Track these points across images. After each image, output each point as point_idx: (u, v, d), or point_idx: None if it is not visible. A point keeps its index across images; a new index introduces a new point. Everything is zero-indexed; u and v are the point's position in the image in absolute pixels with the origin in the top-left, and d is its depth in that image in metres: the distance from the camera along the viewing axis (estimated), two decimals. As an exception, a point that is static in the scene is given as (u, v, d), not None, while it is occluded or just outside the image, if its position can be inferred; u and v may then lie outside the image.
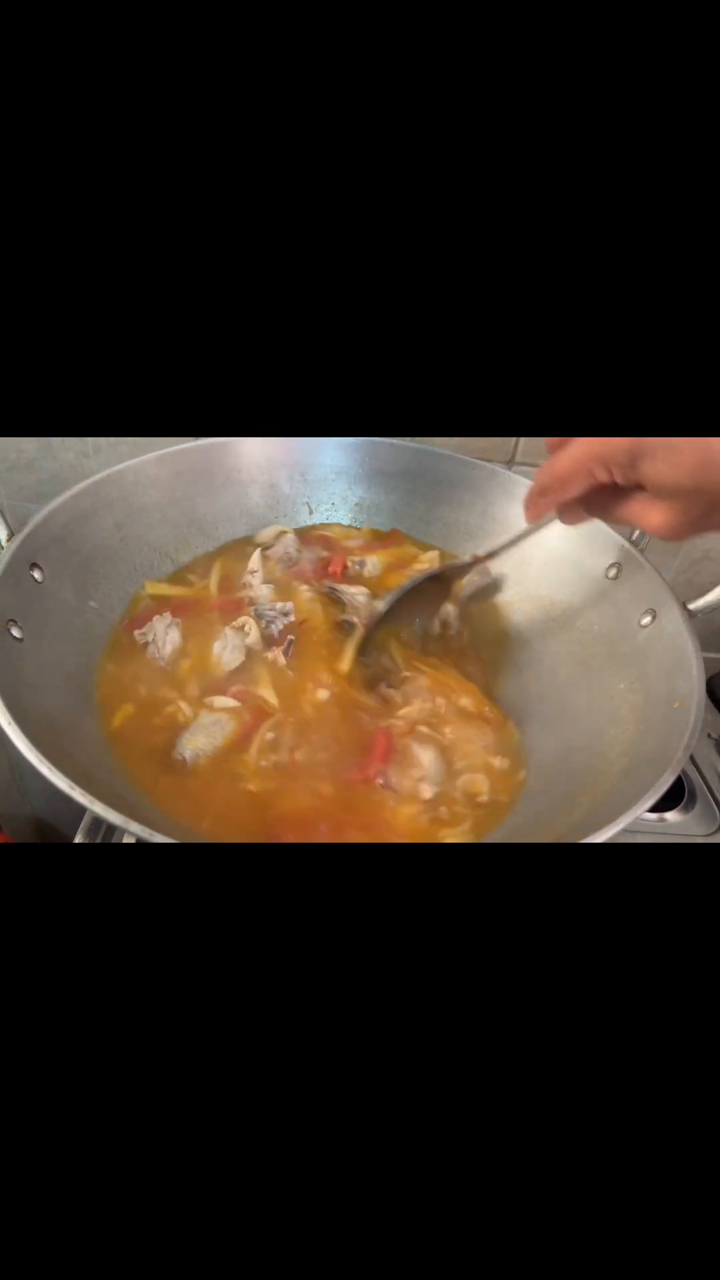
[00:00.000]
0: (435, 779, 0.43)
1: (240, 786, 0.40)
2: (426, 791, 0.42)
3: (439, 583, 0.50)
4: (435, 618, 0.50)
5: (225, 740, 0.42)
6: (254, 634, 0.47)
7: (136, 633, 0.46)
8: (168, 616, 0.47)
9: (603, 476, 0.32)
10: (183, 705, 0.44)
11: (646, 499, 0.32)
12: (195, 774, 0.40)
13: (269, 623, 0.48)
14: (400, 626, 0.49)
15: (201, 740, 0.42)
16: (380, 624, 0.48)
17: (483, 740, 0.45)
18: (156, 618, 0.47)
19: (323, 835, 0.39)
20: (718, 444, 0.28)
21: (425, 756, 0.44)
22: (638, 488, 0.32)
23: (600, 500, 0.34)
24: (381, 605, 0.48)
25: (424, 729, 0.45)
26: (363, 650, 0.47)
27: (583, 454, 0.32)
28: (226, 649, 0.46)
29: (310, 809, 0.40)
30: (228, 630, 0.47)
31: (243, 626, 0.47)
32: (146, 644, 0.46)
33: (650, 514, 0.32)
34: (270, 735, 0.43)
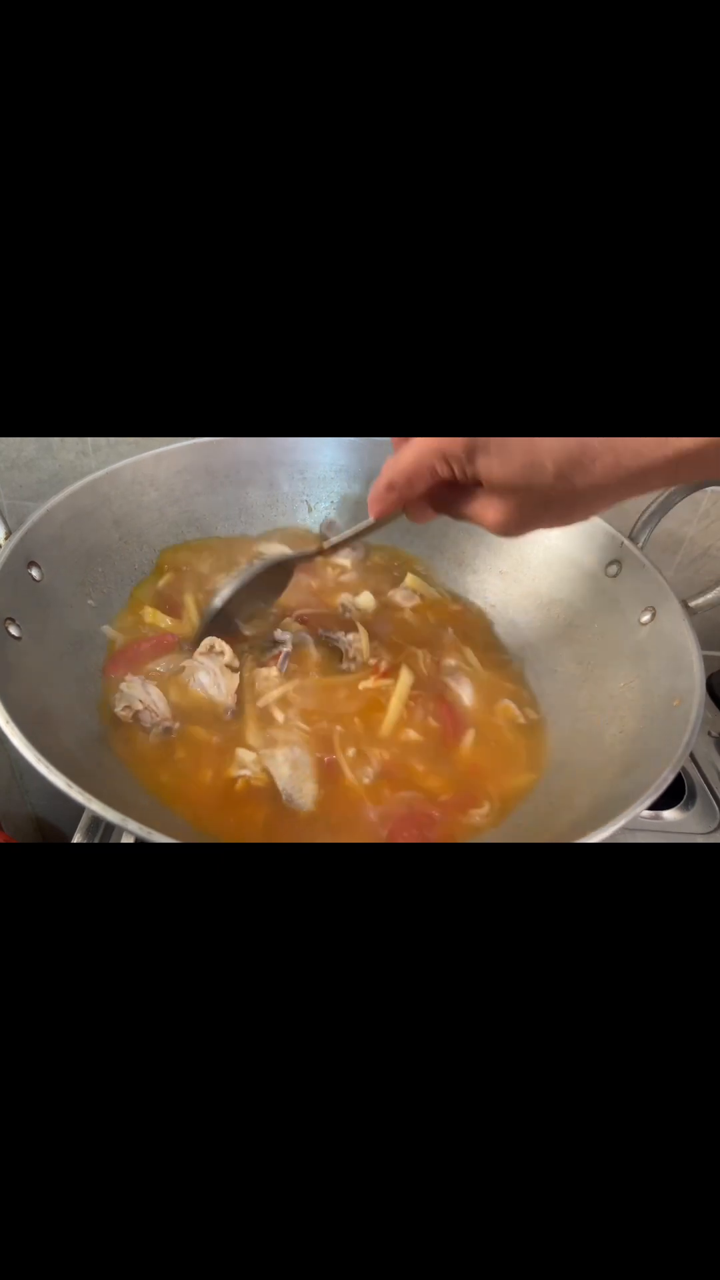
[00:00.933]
0: (473, 703, 0.47)
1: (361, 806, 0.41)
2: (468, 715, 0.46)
3: (281, 571, 0.49)
4: (274, 603, 0.50)
5: (314, 766, 0.42)
6: (228, 652, 0.45)
7: (119, 710, 0.42)
8: (135, 680, 0.44)
9: (444, 472, 0.32)
10: (242, 754, 0.42)
11: (485, 496, 0.32)
12: (319, 818, 0.40)
13: (263, 650, 0.47)
14: (243, 612, 0.48)
15: (304, 783, 0.41)
16: (216, 617, 0.46)
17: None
18: (124, 684, 0.43)
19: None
20: (543, 443, 0.28)
21: (465, 692, 0.48)
22: (478, 485, 0.32)
23: (445, 497, 0.35)
24: (217, 601, 0.46)
25: (450, 662, 0.50)
26: (198, 643, 0.46)
27: (424, 449, 0.32)
28: (212, 680, 0.44)
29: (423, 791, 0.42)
30: (199, 659, 0.45)
31: (211, 648, 0.45)
32: (137, 714, 0.42)
33: (488, 510, 0.33)
34: (351, 751, 0.43)
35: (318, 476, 0.58)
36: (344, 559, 0.57)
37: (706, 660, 0.41)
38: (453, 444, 0.31)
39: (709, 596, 0.45)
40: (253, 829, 0.39)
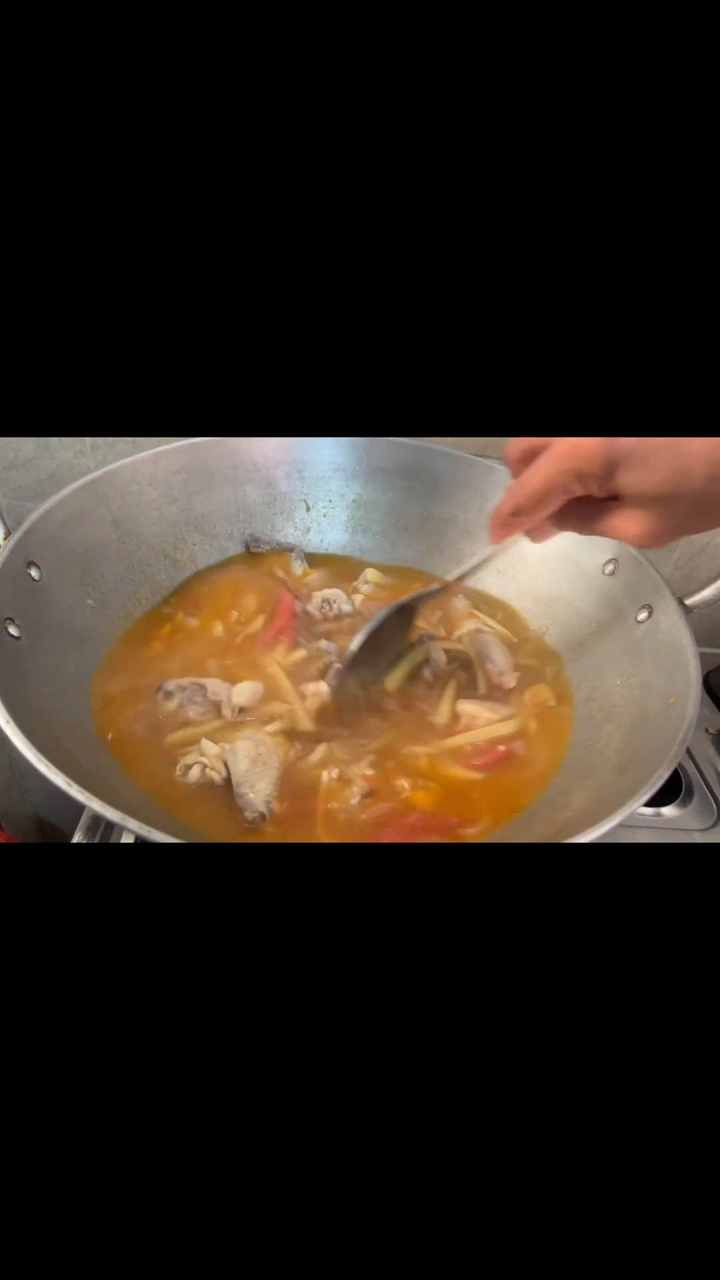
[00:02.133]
0: (510, 666, 0.49)
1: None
2: (510, 681, 0.48)
3: (405, 612, 0.47)
4: (404, 648, 0.48)
5: (281, 762, 0.40)
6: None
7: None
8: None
9: (579, 490, 0.30)
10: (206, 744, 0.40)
11: (622, 509, 0.30)
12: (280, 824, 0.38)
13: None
14: (374, 661, 0.46)
15: (262, 785, 0.38)
16: (354, 662, 0.44)
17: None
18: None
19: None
20: (689, 445, 0.26)
21: (496, 651, 0.49)
22: (611, 498, 0.30)
23: (572, 514, 0.32)
24: (353, 644, 0.44)
25: (470, 625, 0.52)
26: (340, 692, 0.45)
27: (556, 469, 0.29)
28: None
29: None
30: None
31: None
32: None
33: (628, 524, 0.30)
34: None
35: (316, 476, 0.58)
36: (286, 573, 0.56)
37: (703, 657, 0.41)
38: (588, 460, 0.28)
39: (705, 594, 0.45)
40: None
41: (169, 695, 0.43)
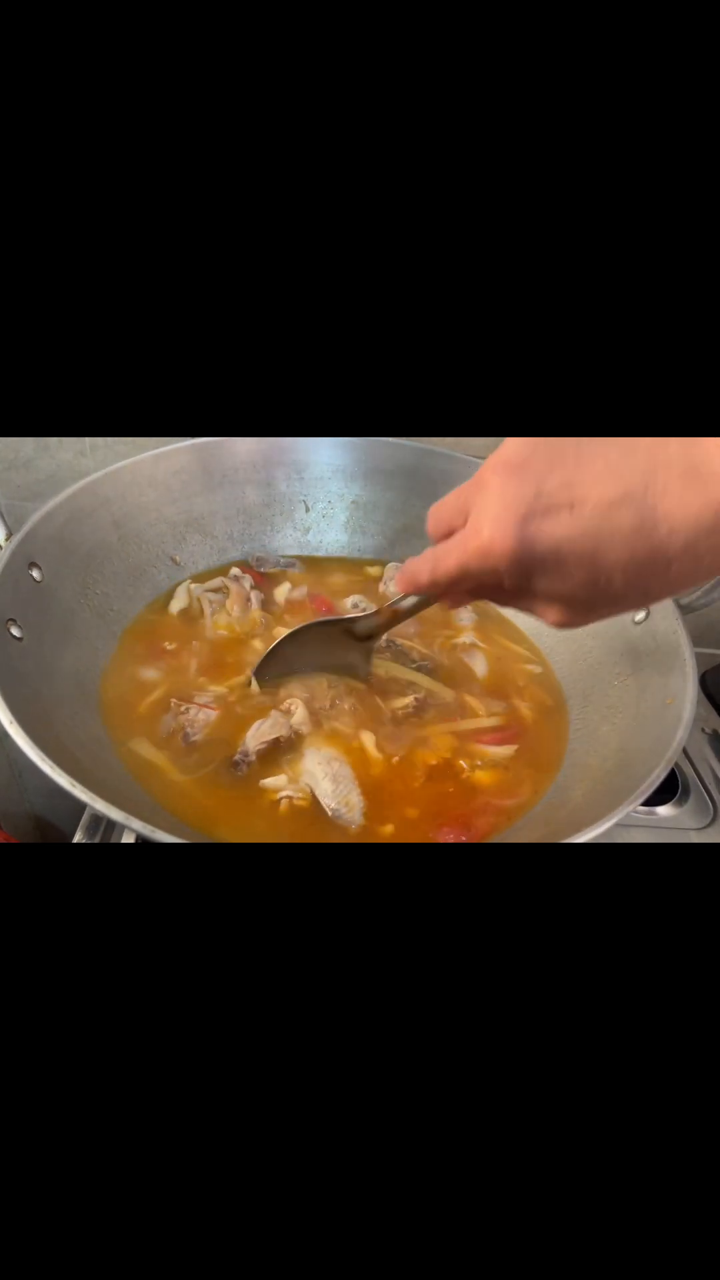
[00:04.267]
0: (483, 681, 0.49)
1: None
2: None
3: (346, 631, 0.45)
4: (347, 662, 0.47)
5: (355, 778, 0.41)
6: (300, 713, 0.43)
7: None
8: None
9: (493, 583, 0.30)
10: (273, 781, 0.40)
11: (544, 602, 0.30)
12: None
13: None
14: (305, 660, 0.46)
15: (355, 799, 0.40)
16: (279, 652, 0.45)
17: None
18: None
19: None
20: (609, 553, 0.26)
21: (477, 665, 0.50)
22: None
23: (493, 594, 0.32)
24: (286, 632, 0.45)
25: (465, 639, 0.52)
26: (261, 673, 0.45)
27: (472, 560, 0.29)
28: (265, 725, 0.42)
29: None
30: (274, 713, 0.44)
31: (288, 709, 0.44)
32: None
33: (546, 613, 0.30)
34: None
35: (315, 477, 0.58)
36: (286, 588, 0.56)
37: (700, 658, 0.42)
38: (501, 561, 0.28)
39: (701, 594, 0.46)
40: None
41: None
